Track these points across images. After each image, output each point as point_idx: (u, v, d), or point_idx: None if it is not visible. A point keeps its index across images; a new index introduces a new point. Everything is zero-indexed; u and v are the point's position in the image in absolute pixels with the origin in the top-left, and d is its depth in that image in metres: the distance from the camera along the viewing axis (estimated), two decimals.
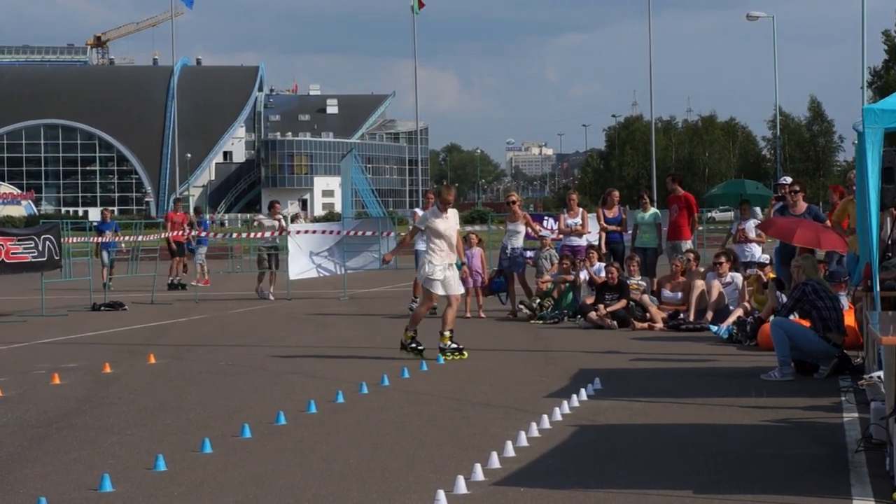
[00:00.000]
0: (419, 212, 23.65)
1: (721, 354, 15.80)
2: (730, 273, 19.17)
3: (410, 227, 15.77)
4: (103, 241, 31.76)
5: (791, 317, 13.96)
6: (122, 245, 33.66)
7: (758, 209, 25.42)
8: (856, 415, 10.82)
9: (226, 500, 7.91)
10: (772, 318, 15.08)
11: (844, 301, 15.60)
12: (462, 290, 16.13)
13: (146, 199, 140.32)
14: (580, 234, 22.46)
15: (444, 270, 15.36)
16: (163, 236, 31.85)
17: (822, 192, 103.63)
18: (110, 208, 37.70)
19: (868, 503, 7.63)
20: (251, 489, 8.24)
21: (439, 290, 15.41)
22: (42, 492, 7.95)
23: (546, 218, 30.08)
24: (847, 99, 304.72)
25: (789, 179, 21.55)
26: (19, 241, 23.62)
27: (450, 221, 15.71)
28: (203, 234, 32.99)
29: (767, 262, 19.80)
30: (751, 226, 21.65)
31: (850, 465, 8.63)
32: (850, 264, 17.00)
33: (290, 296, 26.69)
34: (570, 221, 22.55)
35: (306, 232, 28.82)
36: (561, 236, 23.16)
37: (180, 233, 30.71)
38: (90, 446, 9.92)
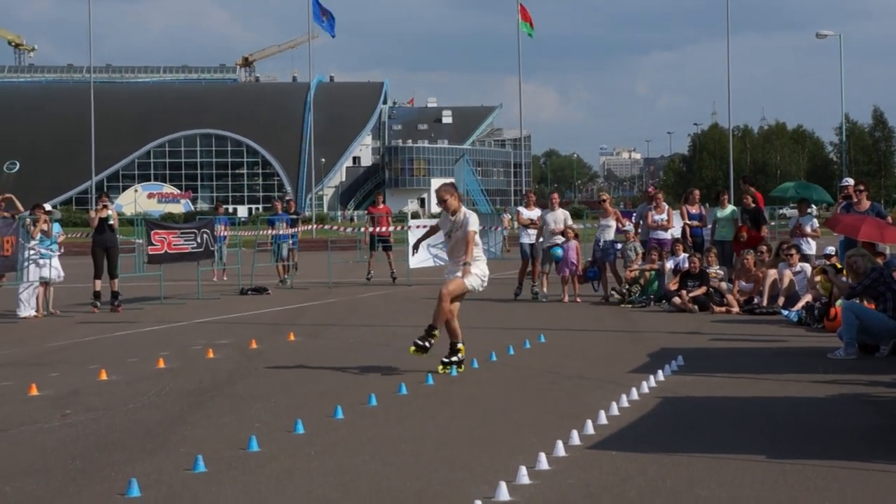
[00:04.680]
0: (522, 210, 23.66)
1: (791, 336, 15.58)
2: (799, 263, 18.95)
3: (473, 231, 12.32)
4: (276, 233, 28.44)
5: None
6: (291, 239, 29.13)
7: (813, 207, 25.13)
8: None
9: (356, 460, 7.97)
10: (840, 302, 14.87)
11: None
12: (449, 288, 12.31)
13: (287, 199, 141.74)
14: (665, 229, 22.35)
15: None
16: (363, 230, 29.94)
17: (883, 191, 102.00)
18: (283, 201, 31.17)
19: None
20: (378, 451, 8.30)
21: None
22: (199, 450, 8.08)
23: (634, 214, 29.91)
24: None
25: (851, 181, 21.18)
26: (182, 234, 24.12)
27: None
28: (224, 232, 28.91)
29: (833, 253, 19.47)
30: (806, 221, 21.49)
31: None
32: None
33: (410, 282, 26.83)
34: (656, 217, 22.44)
35: (424, 227, 28.87)
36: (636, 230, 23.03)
37: (384, 228, 28.27)
38: (239, 411, 10.06)
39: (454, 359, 12.26)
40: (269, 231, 28.97)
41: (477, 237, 12.41)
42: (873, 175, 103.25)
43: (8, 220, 20.17)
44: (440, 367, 12.16)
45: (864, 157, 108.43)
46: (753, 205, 21.54)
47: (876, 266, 13.87)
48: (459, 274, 12.27)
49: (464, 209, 12.54)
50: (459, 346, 12.34)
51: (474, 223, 12.34)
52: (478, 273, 12.43)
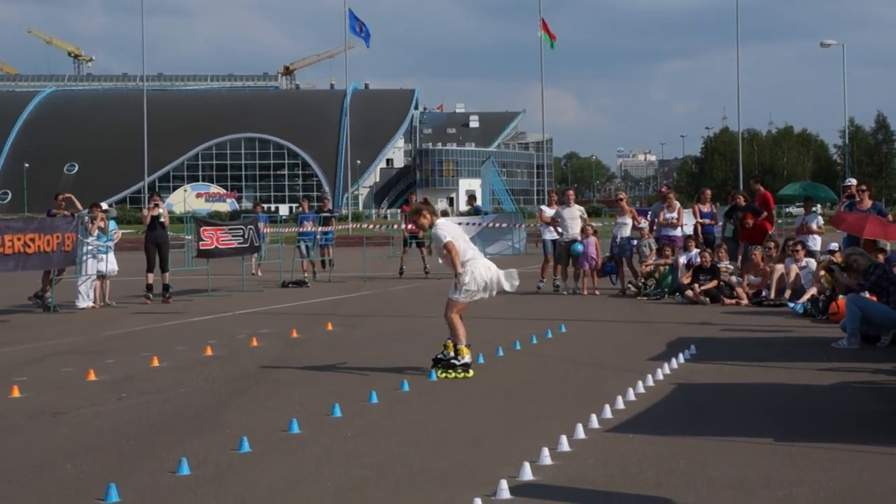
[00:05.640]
0: (545, 209, 23.61)
1: (797, 326, 15.50)
2: (805, 258, 18.85)
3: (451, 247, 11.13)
4: (302, 230, 27.60)
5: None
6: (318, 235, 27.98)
7: (818, 206, 24.96)
8: None
9: (390, 442, 7.99)
10: (842, 295, 14.78)
11: None
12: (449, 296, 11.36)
13: (325, 198, 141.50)
14: (675, 226, 22.26)
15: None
16: (399, 227, 29.34)
17: (885, 191, 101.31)
18: (319, 199, 29.27)
19: None
20: (410, 432, 8.31)
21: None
22: (244, 432, 8.11)
23: (649, 212, 29.83)
24: None
25: (854, 181, 21.08)
26: (229, 230, 24.24)
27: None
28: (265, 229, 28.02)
29: (836, 249, 19.36)
30: (811, 219, 21.39)
31: None
32: None
33: (440, 276, 26.80)
34: (668, 216, 22.38)
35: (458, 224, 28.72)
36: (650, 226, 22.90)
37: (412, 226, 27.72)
38: (281, 396, 10.09)
39: (454, 361, 11.14)
40: (298, 229, 28.11)
41: (458, 243, 11.19)
42: (875, 176, 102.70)
43: (68, 218, 20.31)
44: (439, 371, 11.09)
45: (866, 158, 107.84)
46: (745, 202, 21.43)
47: (877, 263, 13.76)
48: (452, 294, 11.21)
49: (437, 222, 11.45)
50: (460, 347, 11.14)
51: (443, 234, 11.20)
52: (469, 284, 11.12)
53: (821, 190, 28.94)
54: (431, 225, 11.53)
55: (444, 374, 11.00)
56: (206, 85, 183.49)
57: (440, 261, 11.43)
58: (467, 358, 11.11)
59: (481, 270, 11.24)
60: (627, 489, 6.53)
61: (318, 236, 27.97)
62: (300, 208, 29.62)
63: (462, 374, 10.99)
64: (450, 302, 11.32)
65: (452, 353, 11.13)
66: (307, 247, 27.60)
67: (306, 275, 26.96)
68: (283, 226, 35.42)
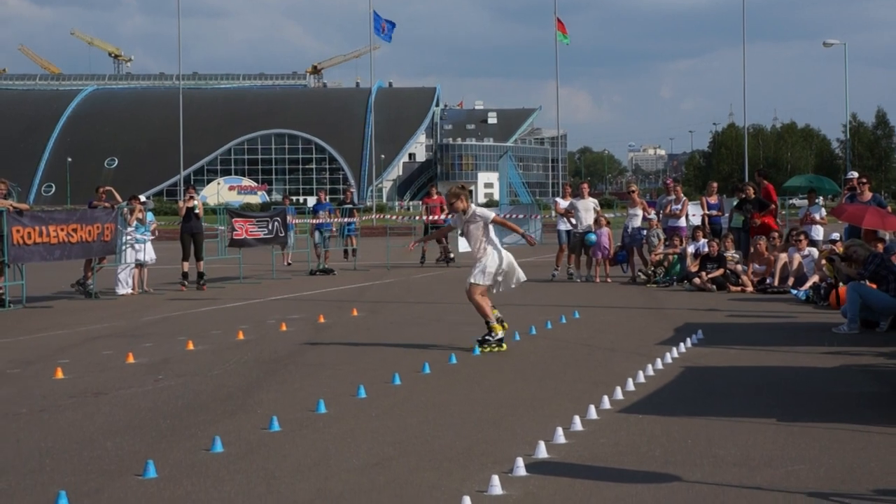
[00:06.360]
0: (560, 201, 23.56)
1: (800, 312, 15.43)
2: (807, 248, 18.77)
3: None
4: (318, 222, 27.13)
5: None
6: (334, 227, 27.77)
7: (821, 198, 24.87)
8: None
9: (411, 421, 8.00)
10: (842, 284, 14.70)
11: None
12: (472, 281, 11.89)
13: (350, 190, 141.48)
14: (678, 217, 22.17)
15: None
16: (420, 218, 29.22)
17: (885, 184, 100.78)
18: (327, 194, 29.04)
19: None
20: (431, 413, 8.32)
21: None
22: (274, 412, 8.13)
23: (657, 203, 29.72)
24: None
25: (855, 174, 21.02)
26: (257, 222, 24.25)
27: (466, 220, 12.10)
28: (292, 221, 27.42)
29: (838, 238, 19.27)
30: (814, 210, 21.33)
31: None
32: None
33: (459, 265, 26.80)
34: (673, 207, 22.31)
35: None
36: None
37: (437, 217, 27.10)
38: (309, 378, 10.12)
39: (488, 337, 11.70)
40: (313, 220, 27.43)
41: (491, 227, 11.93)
42: (875, 169, 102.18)
43: (108, 210, 20.40)
44: (485, 347, 11.60)
45: (867, 152, 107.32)
46: (754, 195, 21.38)
47: (875, 253, 13.68)
48: (475, 279, 11.83)
49: (472, 206, 12.09)
50: (493, 325, 11.75)
51: (488, 213, 12.21)
52: (491, 266, 11.80)
53: (825, 182, 28.77)
54: (465, 210, 12.04)
55: (486, 349, 11.57)
56: (239, 83, 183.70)
57: (478, 240, 11.97)
58: (500, 334, 11.73)
59: (503, 256, 11.95)
60: (637, 467, 6.52)
61: (336, 227, 27.75)
62: (318, 199, 29.33)
63: (496, 348, 11.63)
64: (472, 286, 11.87)
65: (500, 333, 11.69)
66: (323, 237, 26.95)
67: (321, 263, 26.20)
68: (310, 216, 35.43)
